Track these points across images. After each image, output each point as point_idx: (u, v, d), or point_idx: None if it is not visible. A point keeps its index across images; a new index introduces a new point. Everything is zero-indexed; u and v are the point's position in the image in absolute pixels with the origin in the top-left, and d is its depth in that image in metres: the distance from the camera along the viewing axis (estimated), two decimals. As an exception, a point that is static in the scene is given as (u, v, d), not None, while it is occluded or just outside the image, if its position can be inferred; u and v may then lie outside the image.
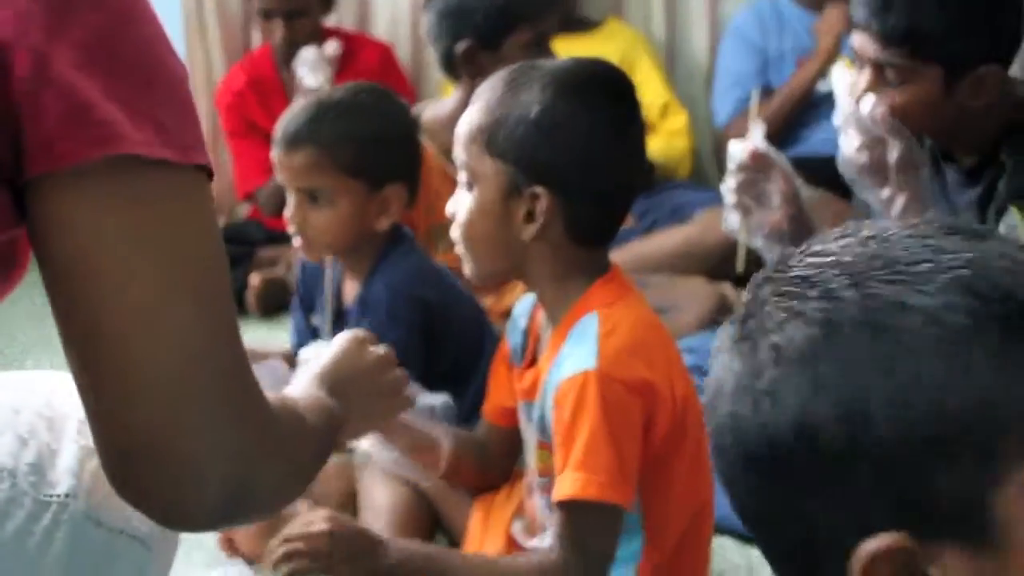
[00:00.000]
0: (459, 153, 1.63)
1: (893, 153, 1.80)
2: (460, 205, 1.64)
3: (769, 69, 3.70)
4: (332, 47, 2.98)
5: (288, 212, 2.12)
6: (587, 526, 1.56)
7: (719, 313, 2.85)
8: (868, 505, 0.74)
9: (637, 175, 1.71)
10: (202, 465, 0.93)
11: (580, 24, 3.76)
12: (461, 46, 2.52)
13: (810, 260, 0.79)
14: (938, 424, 0.73)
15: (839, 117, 1.88)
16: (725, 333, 0.82)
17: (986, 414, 0.73)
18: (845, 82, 1.86)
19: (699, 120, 3.90)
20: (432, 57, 3.99)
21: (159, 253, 0.91)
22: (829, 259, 0.78)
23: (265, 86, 3.66)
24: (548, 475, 1.63)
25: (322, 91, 2.23)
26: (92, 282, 0.90)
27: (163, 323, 0.91)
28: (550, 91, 1.59)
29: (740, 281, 3.15)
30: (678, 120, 3.78)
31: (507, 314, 2.67)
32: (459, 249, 1.66)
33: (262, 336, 3.30)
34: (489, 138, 1.59)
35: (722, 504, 2.02)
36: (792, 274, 0.79)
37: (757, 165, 1.86)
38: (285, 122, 2.15)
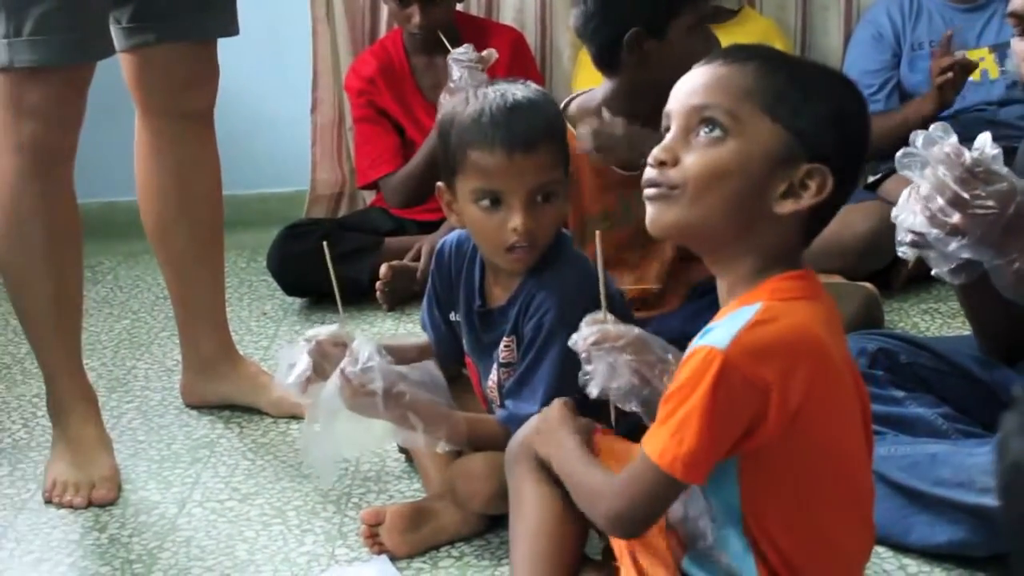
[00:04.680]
0: (716, 99, 1.57)
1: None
2: (690, 154, 1.57)
3: (903, 61, 3.64)
4: (492, 54, 2.91)
5: (520, 220, 2.05)
6: (645, 483, 1.58)
7: (868, 314, 2.79)
8: None
9: None
10: None
11: (716, 14, 3.70)
12: (629, 33, 2.47)
13: None
14: None
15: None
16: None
17: None
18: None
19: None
20: (559, 45, 4.01)
21: None
22: None
23: (395, 73, 3.64)
24: None
25: (490, 86, 2.16)
26: None
27: None
28: (843, 78, 1.64)
29: (879, 280, 3.10)
30: (811, 112, 3.72)
31: (638, 300, 2.65)
32: (656, 192, 1.59)
33: (389, 327, 3.30)
34: (773, 101, 1.56)
35: (876, 512, 1.98)
36: None
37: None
38: (505, 126, 2.06)
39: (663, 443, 1.53)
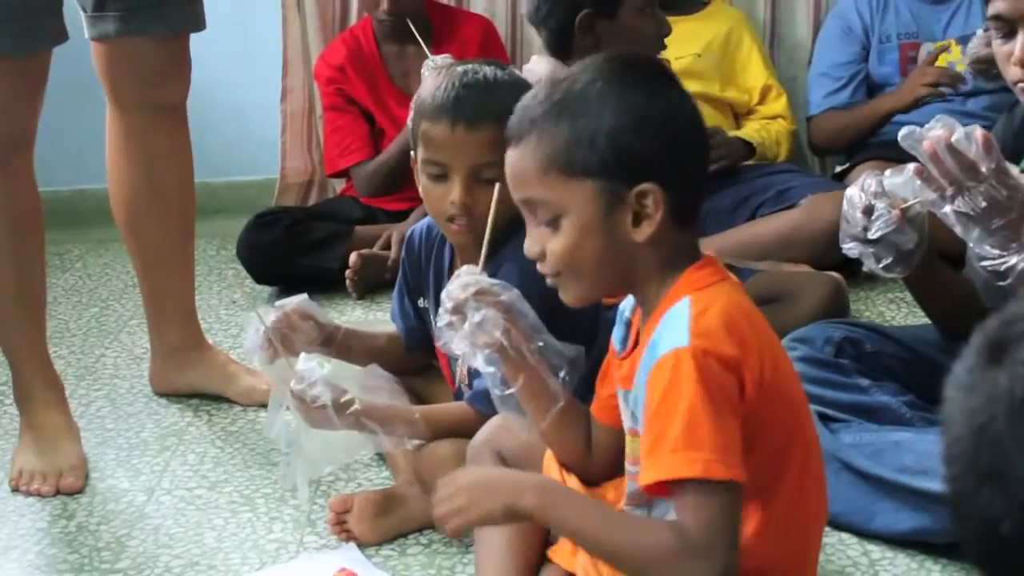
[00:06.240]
0: (526, 191, 1.61)
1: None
2: (548, 241, 1.61)
3: (871, 54, 3.67)
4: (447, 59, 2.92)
5: (457, 193, 2.07)
6: (699, 506, 1.48)
7: (834, 303, 2.80)
8: None
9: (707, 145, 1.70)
10: None
11: (685, 4, 3.71)
12: (581, 15, 2.48)
13: None
14: None
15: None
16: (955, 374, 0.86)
17: None
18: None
19: (800, 101, 3.86)
20: (530, 33, 4.01)
21: None
22: None
23: (365, 61, 3.64)
24: (638, 463, 1.61)
25: (457, 64, 2.16)
26: None
27: None
28: (611, 91, 1.57)
29: (846, 269, 3.11)
30: (778, 103, 3.75)
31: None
32: (554, 281, 1.63)
33: (359, 316, 3.30)
34: (568, 161, 1.56)
35: (841, 500, 2.00)
36: None
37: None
38: (453, 99, 2.07)
39: (680, 459, 1.48)
